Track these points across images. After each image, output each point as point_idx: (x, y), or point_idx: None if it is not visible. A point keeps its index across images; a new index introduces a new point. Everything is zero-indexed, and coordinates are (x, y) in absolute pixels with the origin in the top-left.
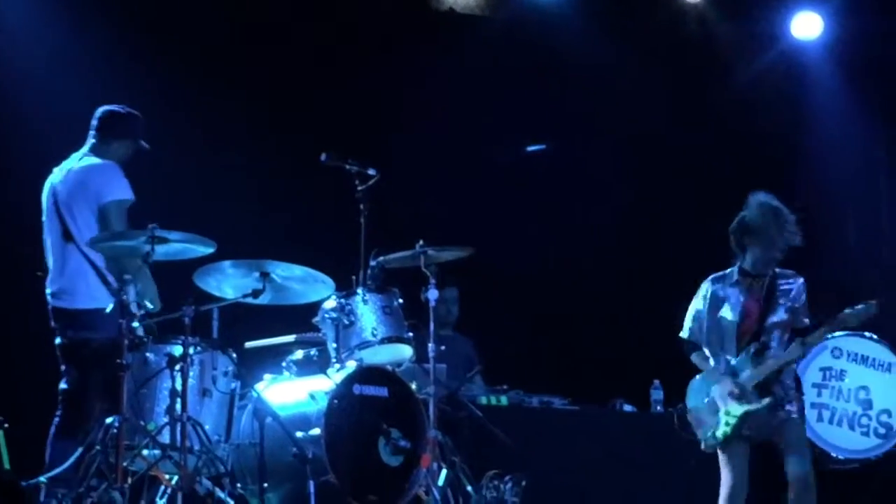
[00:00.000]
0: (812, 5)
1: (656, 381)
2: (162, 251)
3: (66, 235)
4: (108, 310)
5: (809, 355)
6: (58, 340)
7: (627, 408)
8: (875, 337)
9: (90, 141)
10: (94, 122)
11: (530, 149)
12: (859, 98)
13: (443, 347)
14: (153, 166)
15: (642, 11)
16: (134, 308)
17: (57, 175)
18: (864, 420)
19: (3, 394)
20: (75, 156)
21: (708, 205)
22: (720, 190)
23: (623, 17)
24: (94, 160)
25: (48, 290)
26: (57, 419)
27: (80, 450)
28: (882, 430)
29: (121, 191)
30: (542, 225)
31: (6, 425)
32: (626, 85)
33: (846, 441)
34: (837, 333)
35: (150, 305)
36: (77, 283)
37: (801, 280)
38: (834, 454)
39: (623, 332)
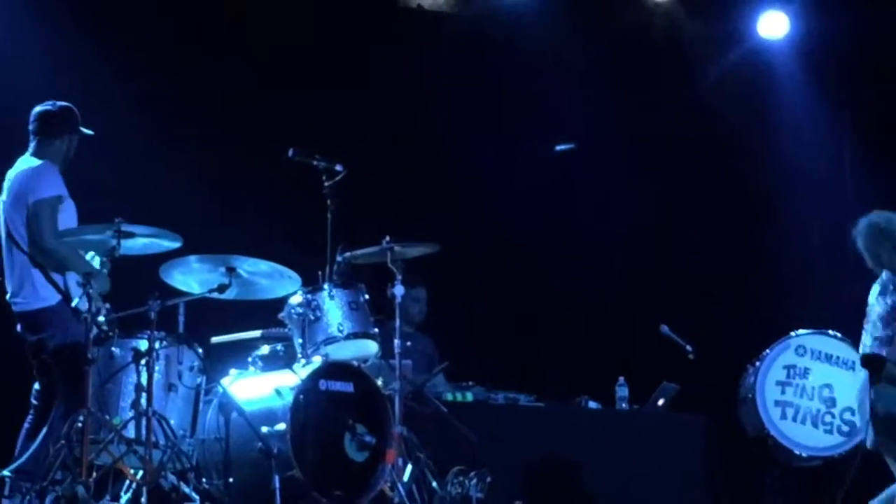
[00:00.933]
0: (778, 4)
1: (621, 378)
2: (128, 246)
3: (10, 238)
4: (73, 303)
5: (773, 352)
6: (26, 343)
7: (592, 405)
8: (839, 335)
9: (32, 143)
10: (32, 126)
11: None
12: (825, 97)
13: (408, 343)
14: (120, 161)
15: (609, 10)
16: (98, 304)
17: (6, 182)
18: (828, 418)
19: None
20: (22, 159)
21: (673, 202)
22: (686, 187)
23: (590, 16)
24: (33, 162)
25: (7, 295)
26: (30, 417)
27: (38, 441)
28: (846, 428)
29: (48, 189)
30: (508, 223)
31: None
32: (592, 83)
33: (810, 439)
34: (802, 331)
35: (94, 285)
36: (24, 284)
37: None
38: (797, 452)
39: (589, 330)
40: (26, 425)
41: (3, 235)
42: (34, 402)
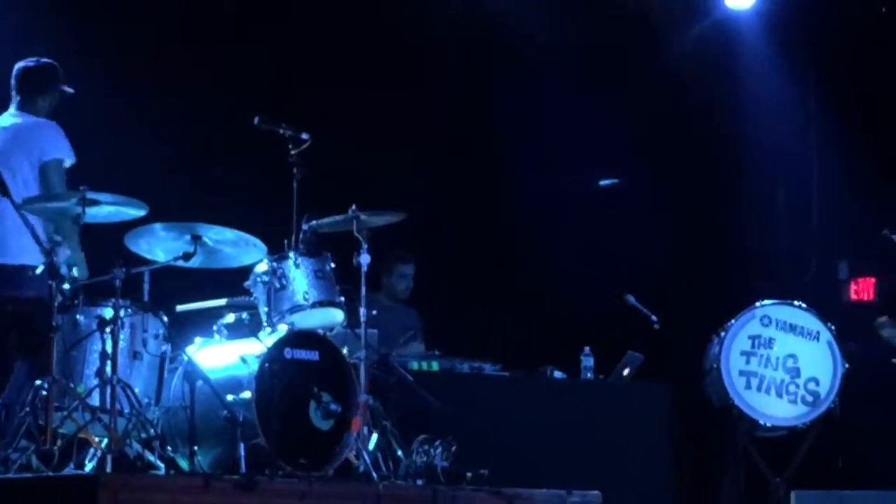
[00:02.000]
0: None
1: (587, 348)
2: (93, 213)
3: (2, 190)
4: (38, 271)
5: (738, 323)
6: None
7: (558, 374)
8: (804, 305)
9: (15, 100)
10: (13, 83)
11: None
12: (792, 67)
13: (374, 312)
14: (84, 128)
15: None
16: (64, 270)
17: None
18: (792, 388)
19: None
20: (6, 115)
21: (639, 171)
22: (650, 157)
23: None
24: (31, 118)
25: None
26: None
27: None
28: (809, 398)
29: (63, 151)
30: (475, 191)
31: None
32: (556, 55)
33: (774, 409)
34: (766, 302)
35: (76, 273)
36: (9, 237)
37: None
38: (762, 422)
39: (554, 299)
40: None
41: None
42: None
